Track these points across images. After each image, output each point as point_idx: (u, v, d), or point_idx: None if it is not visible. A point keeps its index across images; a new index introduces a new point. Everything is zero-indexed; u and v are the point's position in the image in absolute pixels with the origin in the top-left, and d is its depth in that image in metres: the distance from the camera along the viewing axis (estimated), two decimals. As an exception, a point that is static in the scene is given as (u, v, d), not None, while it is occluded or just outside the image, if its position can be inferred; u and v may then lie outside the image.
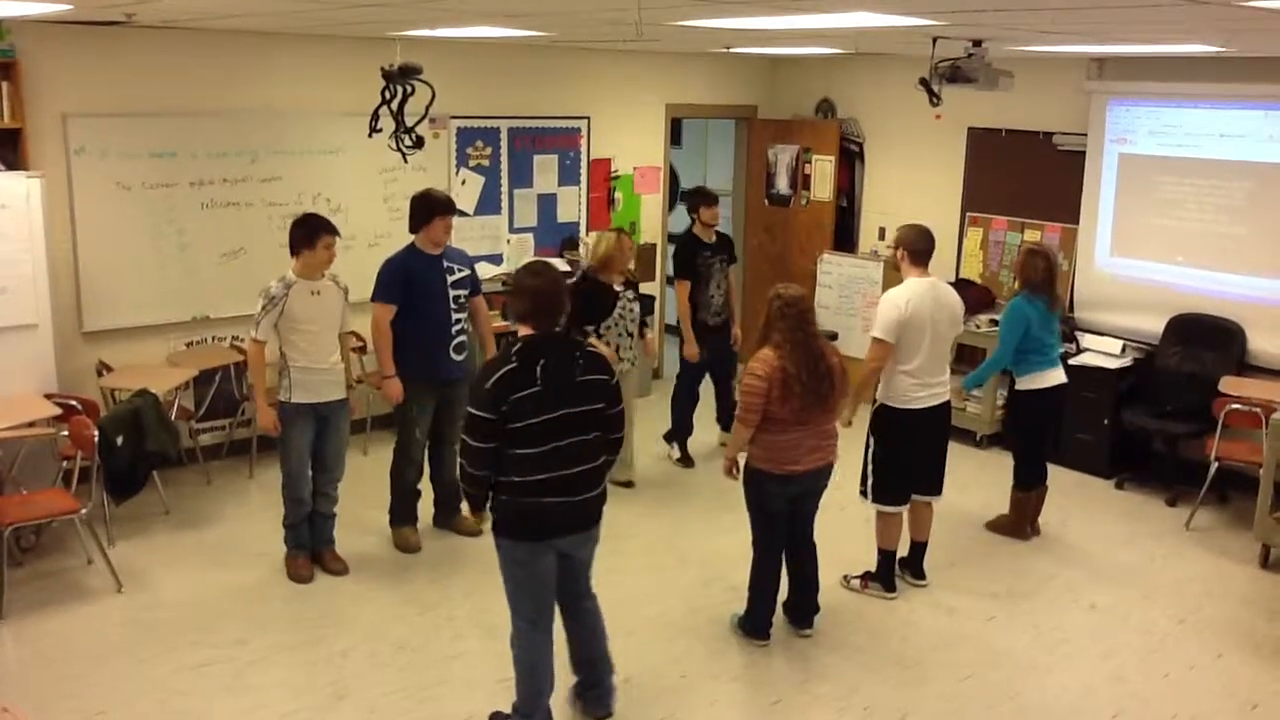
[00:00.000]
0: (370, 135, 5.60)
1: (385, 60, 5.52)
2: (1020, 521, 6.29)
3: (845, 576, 5.60)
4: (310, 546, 5.68)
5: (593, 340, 6.23)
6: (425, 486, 6.21)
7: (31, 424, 5.68)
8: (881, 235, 9.09)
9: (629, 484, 6.81)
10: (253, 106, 7.08)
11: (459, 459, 4.00)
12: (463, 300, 5.87)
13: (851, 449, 5.38)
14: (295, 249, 5.32)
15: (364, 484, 6.59)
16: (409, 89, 5.51)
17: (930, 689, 4.74)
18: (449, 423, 5.94)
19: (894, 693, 4.69)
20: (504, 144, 8.34)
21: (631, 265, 6.77)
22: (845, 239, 9.33)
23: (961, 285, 8.35)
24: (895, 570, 5.57)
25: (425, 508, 6.26)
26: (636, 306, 6.63)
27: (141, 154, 6.67)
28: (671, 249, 7.89)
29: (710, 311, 7.26)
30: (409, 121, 5.58)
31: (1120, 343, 7.49)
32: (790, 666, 4.87)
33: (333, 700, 4.55)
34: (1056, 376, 6.11)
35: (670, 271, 7.70)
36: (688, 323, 7.20)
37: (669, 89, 9.15)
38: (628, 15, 4.56)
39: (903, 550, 5.63)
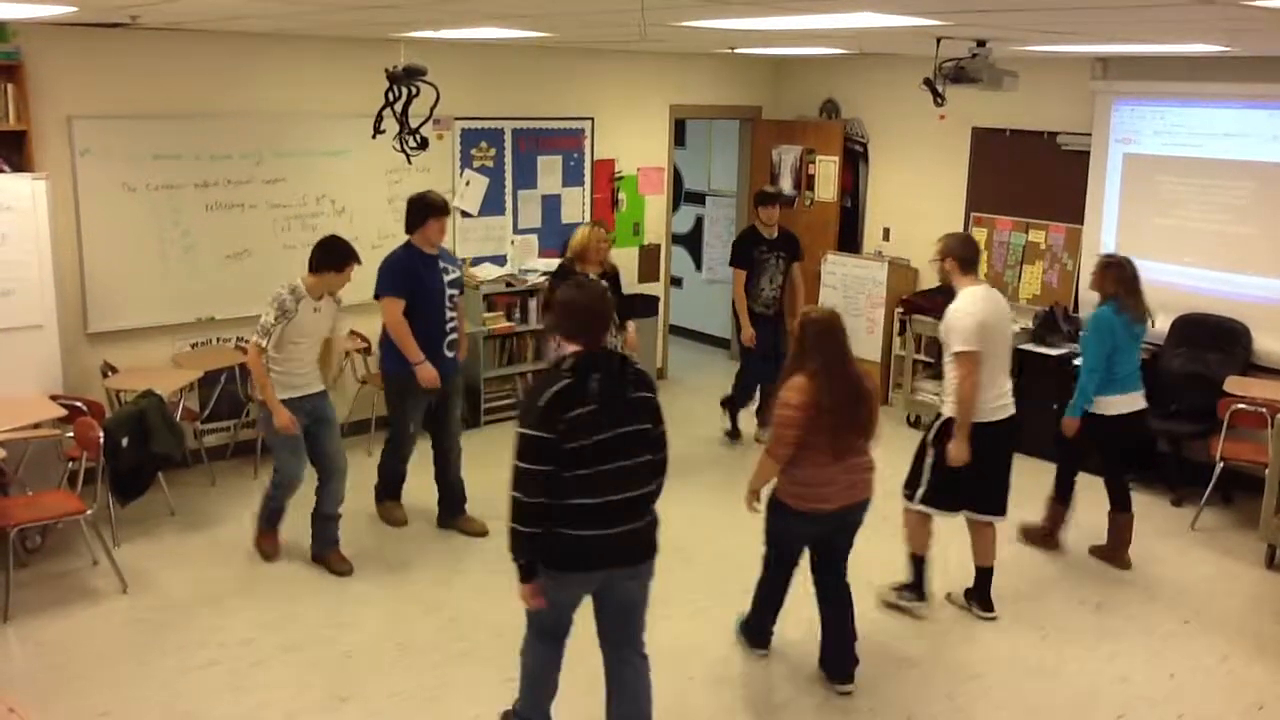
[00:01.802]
0: (374, 137, 5.60)
1: (390, 61, 5.52)
2: (1118, 547, 5.95)
3: (881, 594, 5.40)
4: (277, 526, 5.86)
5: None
6: (429, 485, 6.27)
7: (37, 425, 5.69)
8: (885, 236, 9.09)
9: None
10: (257, 108, 7.09)
11: (511, 493, 3.61)
12: (455, 299, 6.07)
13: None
14: (319, 269, 5.43)
15: (367, 486, 6.60)
16: (413, 90, 5.51)
17: (935, 689, 4.74)
18: (447, 420, 6.18)
19: (899, 693, 4.68)
20: (508, 145, 8.35)
21: (609, 257, 6.89)
22: (849, 239, 9.32)
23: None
24: (978, 594, 5.33)
25: (430, 506, 6.35)
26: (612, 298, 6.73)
27: (146, 156, 6.68)
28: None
29: (759, 302, 7.67)
30: (413, 123, 5.59)
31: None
32: (795, 667, 4.87)
33: (336, 702, 4.56)
34: (1134, 402, 5.75)
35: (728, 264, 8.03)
36: (744, 308, 7.60)
37: (673, 90, 9.16)
38: (632, 17, 4.57)
39: (964, 577, 5.42)
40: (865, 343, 8.74)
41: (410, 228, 5.94)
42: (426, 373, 5.88)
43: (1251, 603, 5.64)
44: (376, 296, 5.90)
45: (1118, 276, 5.69)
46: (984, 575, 5.34)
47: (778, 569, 4.74)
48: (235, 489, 6.82)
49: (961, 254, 5.18)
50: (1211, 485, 6.49)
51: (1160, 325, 7.28)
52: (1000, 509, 5.23)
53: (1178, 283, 7.33)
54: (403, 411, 6.08)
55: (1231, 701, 4.71)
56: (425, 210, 5.89)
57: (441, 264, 5.97)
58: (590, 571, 3.74)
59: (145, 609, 5.31)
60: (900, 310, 8.54)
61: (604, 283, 6.64)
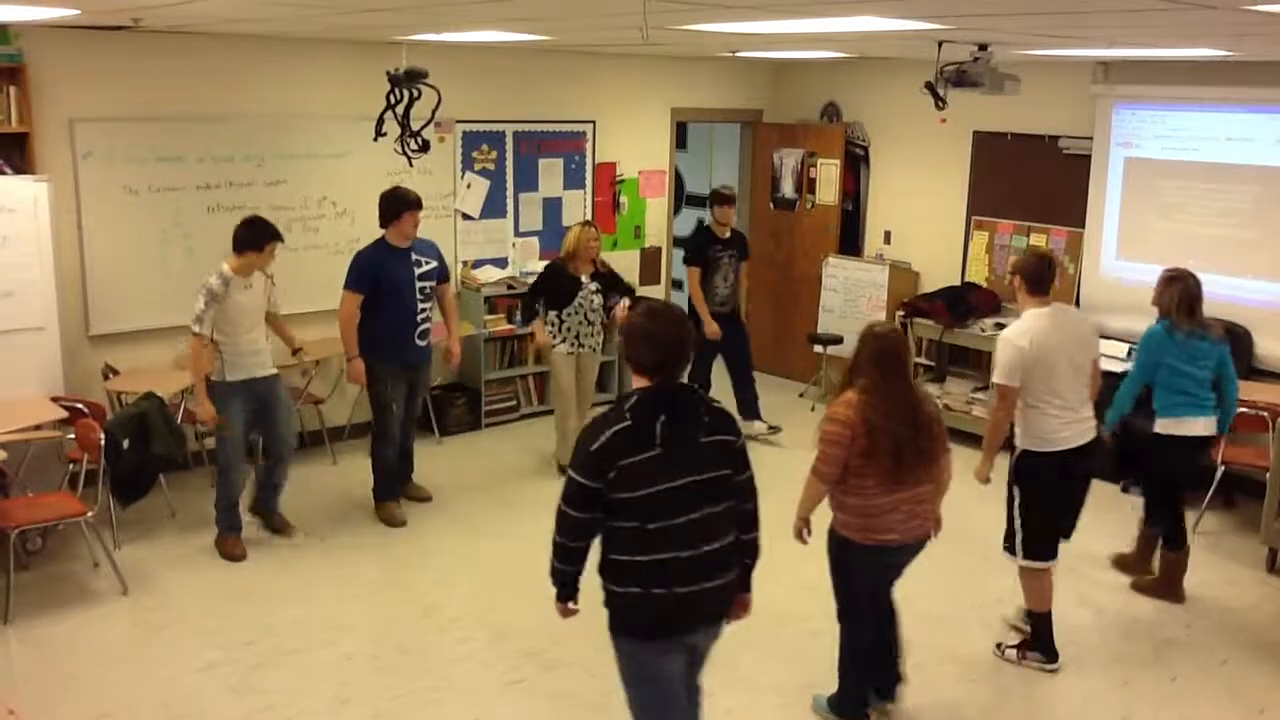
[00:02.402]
0: (376, 139, 5.62)
1: (391, 64, 5.54)
2: (1169, 582, 5.67)
3: (999, 645, 5.05)
4: (240, 527, 5.98)
5: (534, 325, 7.01)
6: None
7: (38, 427, 5.69)
8: (887, 239, 9.09)
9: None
10: (259, 111, 7.10)
11: (554, 536, 3.33)
12: (429, 290, 6.28)
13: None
14: (240, 249, 5.64)
15: (364, 487, 6.61)
16: (415, 93, 5.52)
17: (936, 692, 4.73)
18: (412, 401, 6.49)
19: (901, 695, 4.68)
20: (509, 148, 8.35)
21: (599, 255, 7.18)
22: (850, 243, 9.32)
23: (967, 289, 8.37)
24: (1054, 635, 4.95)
25: (415, 507, 6.54)
26: (598, 298, 7.04)
27: (148, 158, 6.69)
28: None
29: (714, 301, 7.77)
30: (415, 125, 5.60)
31: (1126, 346, 7.47)
32: (792, 669, 4.86)
33: (337, 704, 4.56)
34: (1197, 426, 5.42)
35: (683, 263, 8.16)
36: (701, 304, 7.69)
37: (674, 93, 9.16)
38: (634, 20, 4.57)
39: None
40: (866, 346, 8.73)
41: (384, 222, 6.17)
42: (355, 368, 6.18)
43: (1253, 606, 5.63)
44: (343, 288, 6.16)
45: (1179, 295, 5.38)
46: (1042, 621, 4.97)
47: (855, 614, 4.30)
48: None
49: (1032, 274, 4.83)
50: (1213, 489, 6.49)
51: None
52: (1068, 533, 5.01)
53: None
54: (383, 398, 6.30)
55: (1233, 705, 4.71)
56: (398, 205, 6.11)
57: (415, 256, 6.21)
58: (684, 635, 3.37)
59: (146, 611, 5.31)
60: (901, 313, 8.54)
61: (595, 283, 7.00)
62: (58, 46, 6.28)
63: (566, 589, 3.42)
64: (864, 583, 4.24)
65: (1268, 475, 5.95)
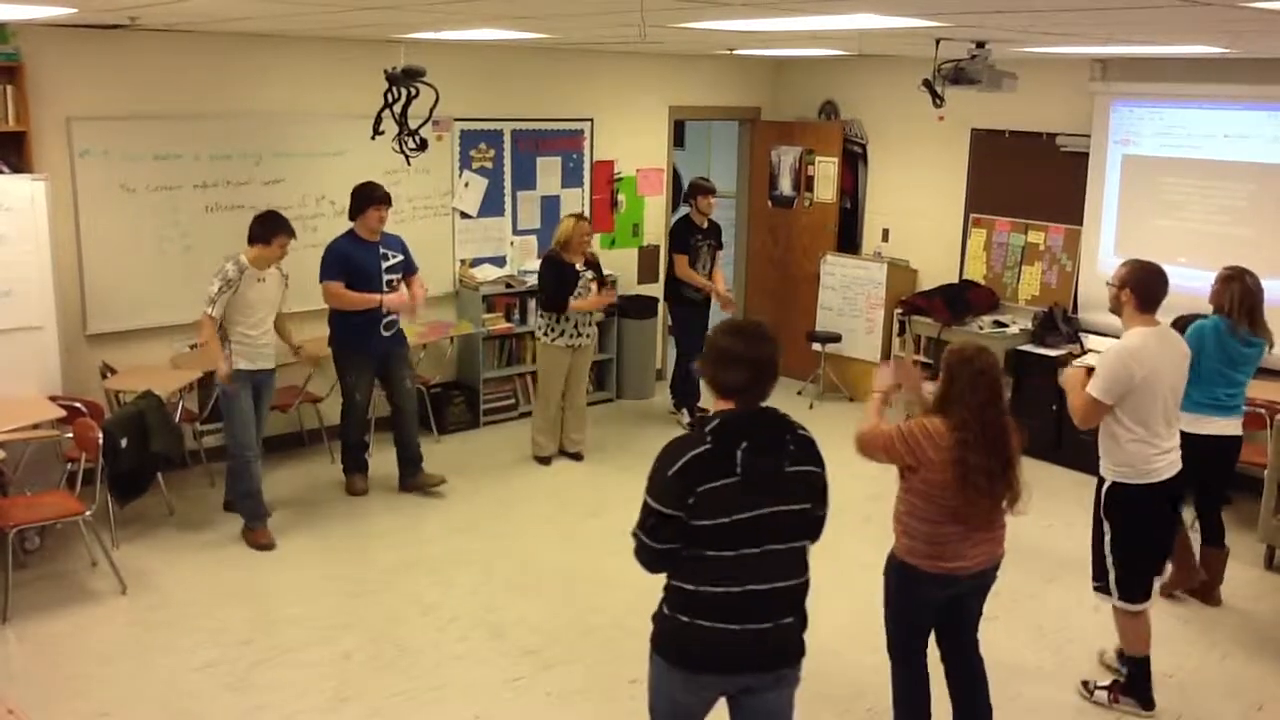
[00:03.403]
0: (373, 138, 5.61)
1: (389, 63, 5.53)
2: (1209, 583, 5.55)
3: (1086, 683, 4.74)
4: (264, 516, 6.09)
5: (577, 303, 7.11)
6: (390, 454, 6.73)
7: (36, 426, 5.69)
8: (885, 237, 9.09)
9: (578, 456, 7.51)
10: (256, 109, 7.09)
11: (635, 557, 3.12)
12: (395, 283, 6.53)
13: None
14: (252, 241, 5.84)
15: (368, 483, 6.61)
16: (413, 91, 5.51)
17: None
18: (398, 389, 6.71)
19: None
20: (507, 146, 8.35)
21: (594, 247, 7.53)
22: (848, 240, 9.33)
23: (965, 287, 8.37)
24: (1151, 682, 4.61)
25: (390, 471, 6.79)
26: (595, 286, 7.26)
27: (145, 156, 6.68)
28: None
29: (692, 288, 8.12)
30: (412, 124, 5.59)
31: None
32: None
33: (336, 702, 4.56)
34: (1222, 425, 5.28)
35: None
36: (698, 279, 8.06)
37: (672, 91, 9.16)
38: (632, 18, 4.57)
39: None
40: (864, 344, 8.75)
41: (352, 215, 6.44)
42: (391, 301, 6.45)
43: (1250, 603, 5.64)
44: (320, 281, 6.40)
45: (1239, 294, 5.21)
46: (1139, 666, 4.66)
47: (910, 650, 4.04)
48: (234, 490, 6.82)
49: (1147, 290, 4.40)
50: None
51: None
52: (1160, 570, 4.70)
53: (1176, 284, 7.17)
54: (348, 382, 6.63)
55: (1231, 701, 4.72)
56: (365, 200, 6.38)
57: (382, 250, 6.48)
58: (724, 674, 3.12)
59: (144, 609, 5.31)
60: (899, 311, 8.55)
61: (590, 271, 7.24)
62: (54, 45, 6.28)
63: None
64: (927, 615, 3.99)
65: (1266, 472, 5.96)
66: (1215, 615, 5.47)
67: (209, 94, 6.90)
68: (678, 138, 9.82)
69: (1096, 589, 4.62)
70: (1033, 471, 6.14)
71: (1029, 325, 7.92)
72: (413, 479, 6.78)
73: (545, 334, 7.23)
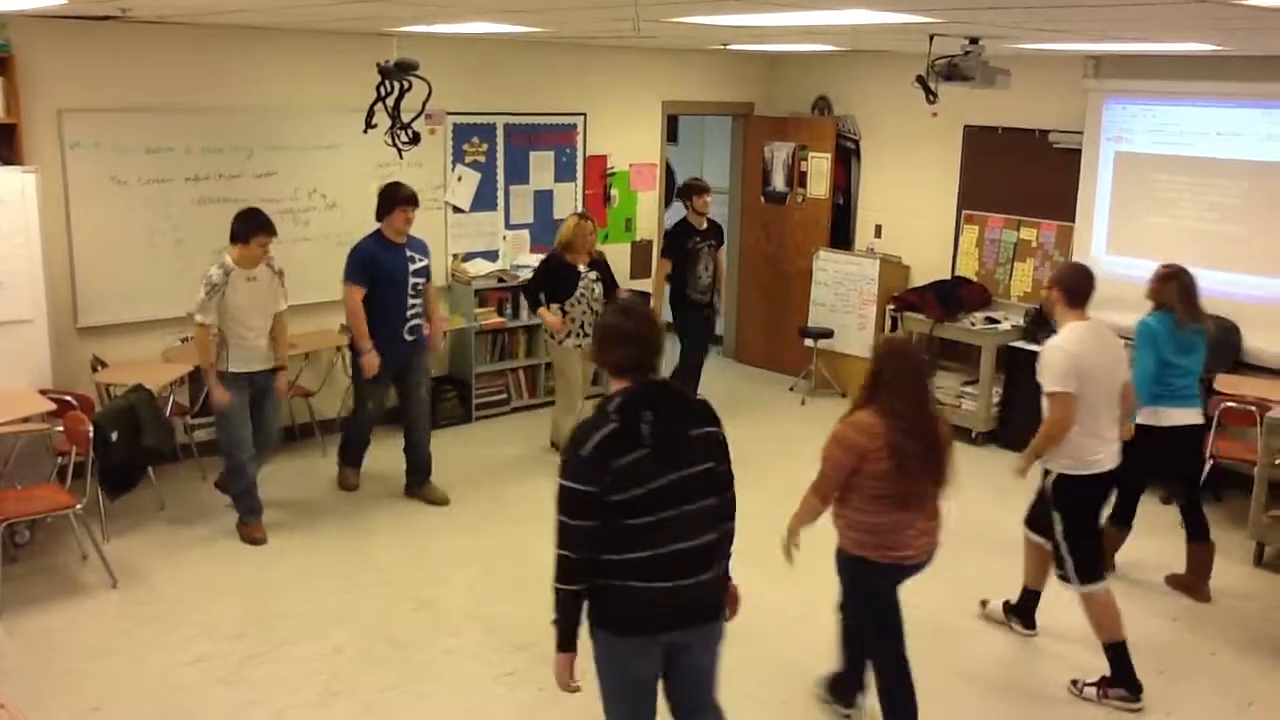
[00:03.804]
0: (366, 131, 5.60)
1: (382, 56, 5.51)
2: (1197, 579, 5.66)
3: (1075, 682, 4.75)
4: (259, 511, 6.03)
5: (543, 311, 7.07)
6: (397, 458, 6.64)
7: (26, 419, 5.67)
8: (878, 233, 9.10)
9: None
10: (248, 102, 7.07)
11: (556, 550, 3.19)
12: (420, 287, 6.34)
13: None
14: (233, 240, 5.71)
15: (362, 479, 6.60)
16: (405, 85, 5.50)
17: (928, 686, 4.73)
18: (412, 396, 6.53)
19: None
20: (500, 140, 8.33)
21: (596, 245, 7.33)
22: (841, 236, 9.33)
23: (957, 283, 8.38)
24: (1130, 667, 4.66)
25: (398, 475, 6.68)
26: (599, 287, 7.12)
27: (137, 149, 6.65)
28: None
29: (696, 289, 7.96)
30: (405, 117, 5.58)
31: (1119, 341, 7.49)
32: (791, 666, 4.87)
33: (328, 697, 4.55)
34: (1184, 416, 5.40)
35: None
36: (659, 295, 7.95)
37: (665, 86, 9.15)
38: (626, 12, 4.56)
39: (1010, 593, 5.20)
40: (856, 339, 8.76)
41: (379, 216, 6.23)
42: (368, 362, 6.21)
43: (1241, 600, 5.66)
44: (343, 281, 6.22)
45: (1179, 290, 5.38)
46: (1033, 597, 5.13)
47: (886, 645, 4.12)
48: (226, 484, 6.81)
49: (1073, 286, 4.69)
50: (1201, 483, 6.50)
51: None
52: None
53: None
54: (362, 386, 6.47)
55: (1221, 698, 4.73)
56: (392, 201, 6.17)
57: (408, 253, 6.26)
58: (658, 634, 3.28)
59: (135, 604, 5.29)
60: (892, 307, 8.56)
61: (594, 272, 7.08)
62: (45, 36, 6.24)
63: (569, 630, 3.22)
64: (887, 600, 4.07)
65: (1255, 469, 5.98)
66: (1205, 612, 5.49)
67: (201, 87, 6.87)
68: (671, 133, 9.82)
69: (1060, 577, 4.77)
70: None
71: (1021, 321, 7.93)
72: (419, 489, 6.61)
73: (553, 334, 7.14)
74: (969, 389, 7.96)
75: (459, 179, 8.17)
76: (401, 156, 5.91)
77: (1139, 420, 5.28)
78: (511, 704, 4.55)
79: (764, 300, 9.70)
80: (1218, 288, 7.07)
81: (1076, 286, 4.69)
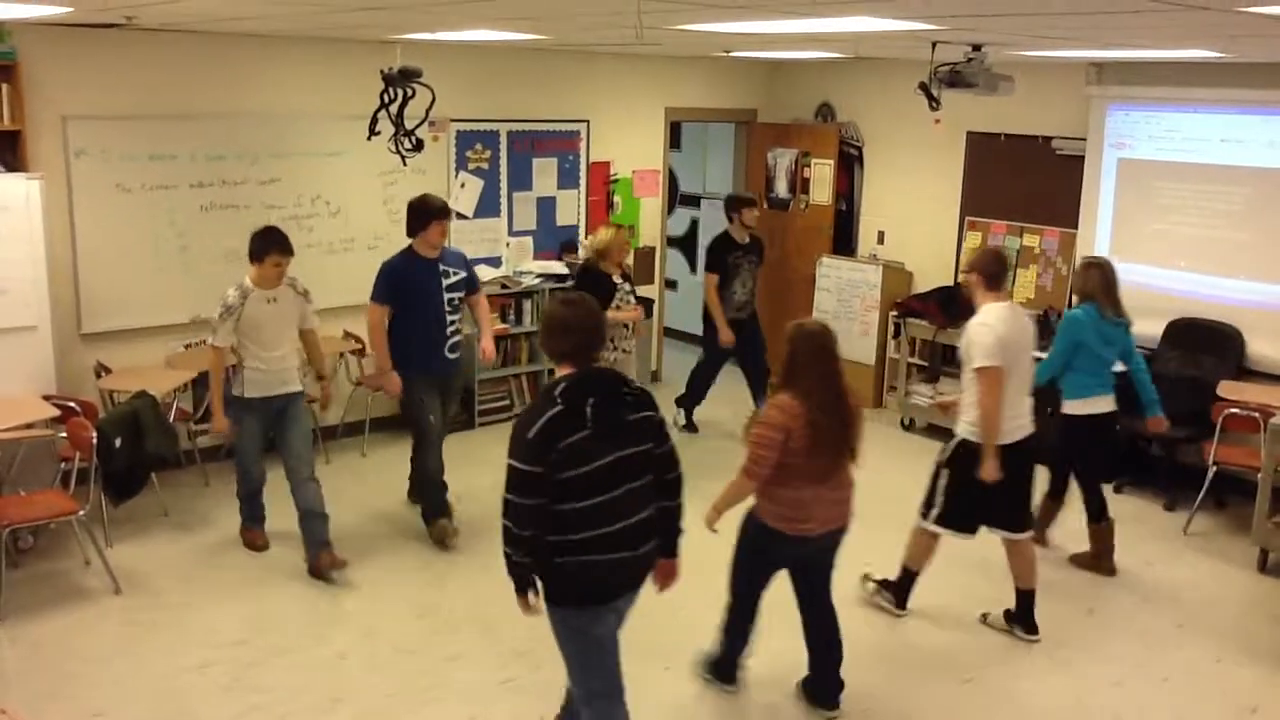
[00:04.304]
0: (369, 138, 5.61)
1: (385, 63, 5.52)
2: (1102, 556, 5.94)
3: (867, 576, 5.43)
4: (263, 519, 6.01)
5: (612, 312, 6.57)
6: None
7: (30, 425, 5.67)
8: (880, 239, 9.10)
9: None
10: (252, 109, 7.08)
11: (502, 520, 3.45)
12: (457, 302, 6.04)
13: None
14: (250, 259, 5.52)
15: (364, 485, 6.61)
16: (409, 92, 5.51)
17: (929, 691, 4.74)
18: (442, 415, 6.23)
19: (893, 696, 4.69)
20: (503, 147, 8.35)
21: (629, 260, 7.11)
22: (844, 243, 9.33)
23: (959, 289, 8.37)
24: (1022, 616, 5.19)
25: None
26: (632, 298, 6.92)
27: (141, 156, 6.67)
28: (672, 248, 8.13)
29: (733, 306, 7.77)
30: (408, 124, 5.59)
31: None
32: (789, 671, 4.86)
33: (330, 703, 4.55)
34: (1099, 405, 5.73)
35: (703, 266, 8.13)
36: (718, 311, 7.71)
37: (668, 92, 9.16)
38: (629, 20, 4.57)
39: (1004, 599, 5.30)
40: (859, 346, 8.75)
41: (411, 232, 5.93)
42: (390, 383, 5.95)
43: (1244, 606, 5.65)
44: (371, 300, 5.94)
45: (1101, 280, 5.75)
46: (1026, 598, 5.20)
47: (747, 592, 4.50)
48: (228, 490, 6.75)
49: (989, 270, 5.05)
50: (1205, 489, 6.51)
51: (1154, 330, 7.32)
52: (1027, 525, 5.15)
53: (1171, 287, 7.35)
54: (418, 405, 6.04)
55: (1225, 705, 4.72)
56: (425, 214, 5.87)
57: (443, 267, 5.95)
58: (608, 602, 3.59)
59: (138, 609, 5.29)
60: (894, 313, 8.55)
61: (626, 284, 6.88)
62: (50, 44, 6.27)
63: (523, 580, 3.53)
64: (771, 566, 4.42)
65: (1259, 476, 5.97)
66: (1210, 619, 5.48)
67: (205, 94, 6.89)
68: (674, 139, 9.83)
69: (921, 514, 5.17)
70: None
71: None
72: (428, 521, 6.20)
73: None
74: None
75: (462, 186, 8.18)
76: (405, 163, 5.91)
77: (1066, 410, 5.75)
78: (513, 709, 4.55)
79: (767, 306, 9.63)
80: (1221, 294, 7.09)
81: (994, 271, 5.06)
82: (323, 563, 5.62)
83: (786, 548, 4.30)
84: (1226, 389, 6.65)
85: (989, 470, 4.88)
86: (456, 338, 6.06)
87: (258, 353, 5.55)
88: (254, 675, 4.74)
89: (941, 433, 6.75)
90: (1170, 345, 7.22)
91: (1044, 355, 5.79)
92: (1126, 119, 7.52)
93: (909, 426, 8.30)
